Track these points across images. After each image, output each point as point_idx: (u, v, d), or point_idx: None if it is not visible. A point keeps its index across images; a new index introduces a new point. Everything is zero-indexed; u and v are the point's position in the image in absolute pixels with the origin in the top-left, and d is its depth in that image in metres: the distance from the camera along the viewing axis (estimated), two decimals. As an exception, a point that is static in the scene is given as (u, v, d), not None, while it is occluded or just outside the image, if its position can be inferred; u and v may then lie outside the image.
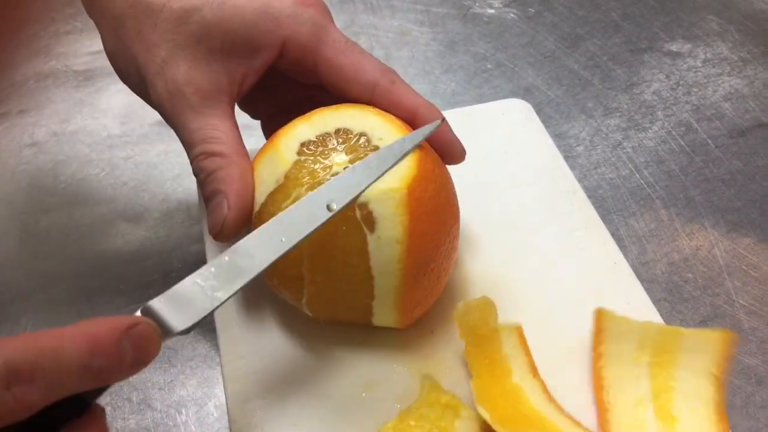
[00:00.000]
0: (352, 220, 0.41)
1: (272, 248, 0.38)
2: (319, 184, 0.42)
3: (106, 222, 0.58)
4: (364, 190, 0.40)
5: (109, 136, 0.65)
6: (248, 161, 0.44)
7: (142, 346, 0.32)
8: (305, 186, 0.42)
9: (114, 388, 0.48)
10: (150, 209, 0.59)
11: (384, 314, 0.44)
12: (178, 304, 0.35)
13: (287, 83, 0.50)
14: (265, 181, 0.43)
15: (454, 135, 0.48)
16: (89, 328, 0.30)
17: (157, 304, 0.35)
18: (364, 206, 0.41)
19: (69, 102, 0.69)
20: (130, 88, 0.48)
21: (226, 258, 0.37)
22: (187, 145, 0.44)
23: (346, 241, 0.41)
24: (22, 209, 0.59)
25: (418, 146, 0.43)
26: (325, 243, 0.41)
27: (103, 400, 0.47)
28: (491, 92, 0.69)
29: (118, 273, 0.55)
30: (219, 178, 0.43)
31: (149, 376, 0.49)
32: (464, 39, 0.75)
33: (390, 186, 0.41)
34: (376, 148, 0.43)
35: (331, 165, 0.43)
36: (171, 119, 0.45)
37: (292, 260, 0.42)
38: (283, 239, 0.38)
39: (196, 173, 0.44)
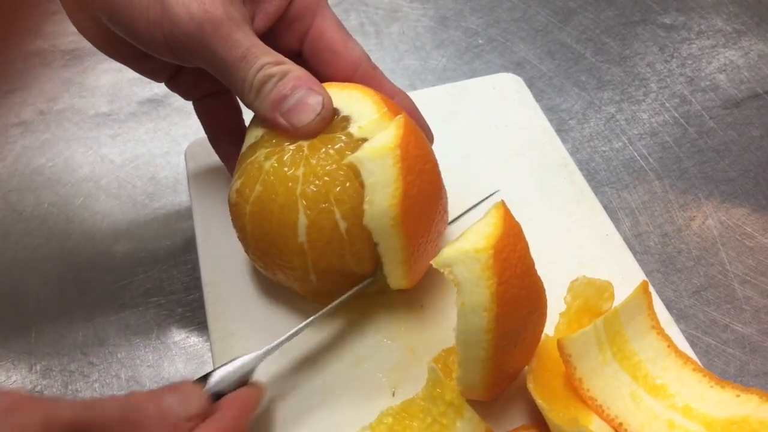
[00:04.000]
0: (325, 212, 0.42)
1: None
2: (280, 152, 0.42)
3: (94, 200, 0.58)
4: None
5: (97, 115, 0.65)
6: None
7: None
8: (267, 148, 0.43)
9: (103, 366, 0.48)
10: (138, 187, 0.59)
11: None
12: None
13: None
14: (250, 136, 0.45)
15: (423, 119, 0.48)
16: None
17: None
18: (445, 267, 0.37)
19: (56, 81, 0.68)
20: (128, 19, 0.42)
21: None
22: (245, 59, 0.42)
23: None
24: (9, 187, 0.59)
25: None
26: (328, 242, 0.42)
27: (91, 378, 0.47)
28: (483, 67, 0.68)
29: (107, 250, 0.54)
30: (296, 76, 0.42)
31: (138, 353, 0.49)
32: (455, 14, 0.74)
33: (474, 246, 0.37)
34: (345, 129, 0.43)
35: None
36: (212, 38, 0.41)
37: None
38: None
39: (263, 81, 0.42)
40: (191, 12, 0.41)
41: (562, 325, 0.42)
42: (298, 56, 0.47)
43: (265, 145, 0.43)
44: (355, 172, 0.41)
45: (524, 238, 0.39)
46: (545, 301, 0.40)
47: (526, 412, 0.42)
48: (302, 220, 0.41)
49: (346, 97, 0.44)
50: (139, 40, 0.42)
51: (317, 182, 0.41)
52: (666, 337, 0.42)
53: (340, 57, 0.46)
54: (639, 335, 0.42)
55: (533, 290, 0.39)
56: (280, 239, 0.42)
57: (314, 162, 0.42)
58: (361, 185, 0.40)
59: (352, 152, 0.41)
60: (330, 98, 0.42)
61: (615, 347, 0.41)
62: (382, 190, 0.40)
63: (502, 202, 0.40)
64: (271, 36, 0.46)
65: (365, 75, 0.46)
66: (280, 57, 0.43)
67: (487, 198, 0.50)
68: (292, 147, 0.42)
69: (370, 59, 0.47)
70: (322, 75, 0.46)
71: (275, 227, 0.42)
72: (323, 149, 0.42)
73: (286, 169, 0.42)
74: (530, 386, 0.39)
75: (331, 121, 0.43)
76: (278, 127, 0.43)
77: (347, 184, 0.41)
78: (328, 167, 0.41)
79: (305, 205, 0.41)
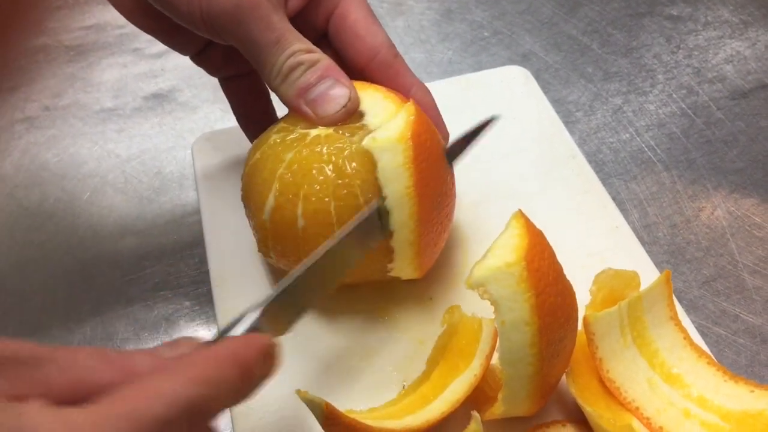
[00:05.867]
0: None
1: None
2: (289, 132, 0.43)
3: (100, 195, 0.58)
4: None
5: (102, 110, 0.65)
6: None
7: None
8: (284, 123, 0.44)
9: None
10: (144, 182, 0.59)
11: None
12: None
13: None
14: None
15: (440, 113, 0.48)
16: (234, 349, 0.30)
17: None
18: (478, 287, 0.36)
19: (61, 77, 0.68)
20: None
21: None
22: (278, 43, 0.42)
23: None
24: (15, 183, 0.59)
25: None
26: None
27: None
28: (489, 60, 0.68)
29: (113, 246, 0.54)
30: (325, 66, 0.43)
31: (146, 347, 0.48)
32: (461, 7, 0.74)
33: (505, 261, 0.36)
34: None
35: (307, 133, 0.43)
36: (249, 17, 0.42)
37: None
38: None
39: (292, 67, 0.42)
40: None
41: (590, 317, 0.42)
42: (324, 36, 0.47)
43: (286, 120, 0.45)
44: (336, 179, 0.41)
45: (549, 243, 0.39)
46: (577, 302, 0.39)
47: (557, 405, 0.42)
48: (270, 201, 0.42)
49: (374, 105, 0.44)
50: (177, 12, 0.42)
51: (295, 172, 0.42)
52: (683, 329, 0.42)
53: (361, 40, 0.46)
54: (658, 324, 0.42)
55: (567, 295, 0.38)
56: (255, 209, 0.44)
57: (305, 153, 0.42)
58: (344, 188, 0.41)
59: (339, 158, 0.41)
60: (356, 92, 0.43)
61: (635, 332, 0.41)
62: (398, 176, 0.40)
63: (521, 211, 0.39)
64: (299, 14, 0.46)
65: (384, 61, 0.46)
66: (312, 46, 0.43)
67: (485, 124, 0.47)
68: (300, 131, 0.43)
69: (393, 46, 0.46)
70: (343, 57, 0.46)
71: (254, 195, 0.43)
72: (320, 146, 0.42)
73: (281, 149, 0.43)
74: (572, 390, 0.39)
75: (354, 114, 0.43)
76: (301, 115, 0.43)
77: (316, 188, 0.41)
78: (314, 164, 0.41)
79: (277, 188, 0.42)
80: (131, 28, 0.47)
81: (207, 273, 0.50)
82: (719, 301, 0.49)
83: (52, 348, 0.27)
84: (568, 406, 0.42)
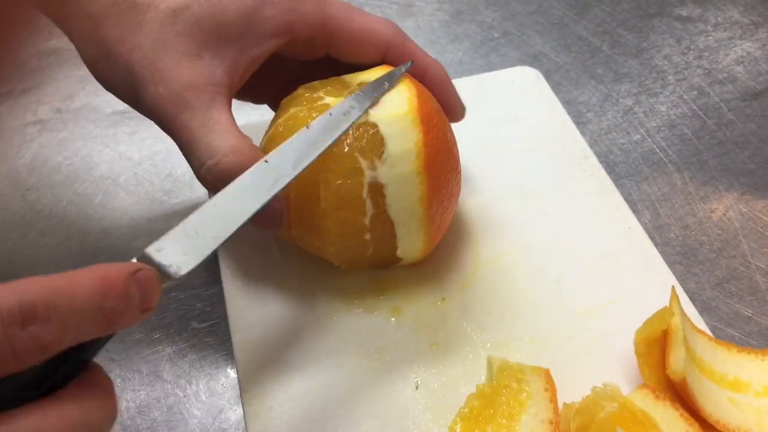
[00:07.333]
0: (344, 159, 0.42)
1: (268, 184, 0.38)
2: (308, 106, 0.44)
3: (112, 197, 0.58)
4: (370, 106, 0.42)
5: (114, 113, 0.65)
6: (253, 148, 0.42)
7: (147, 290, 0.31)
8: (302, 101, 0.45)
9: (123, 361, 0.48)
10: (155, 184, 0.59)
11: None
12: (176, 249, 0.34)
13: (284, 64, 0.49)
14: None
15: (455, 89, 0.49)
16: (99, 270, 0.29)
17: (154, 251, 0.33)
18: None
19: (72, 79, 0.68)
20: (117, 96, 0.46)
21: (222, 197, 0.37)
22: (190, 144, 0.42)
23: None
24: (27, 186, 0.59)
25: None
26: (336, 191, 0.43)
27: (113, 373, 0.47)
28: (499, 60, 0.68)
29: (125, 248, 0.54)
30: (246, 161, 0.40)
31: (158, 348, 0.49)
32: (470, 8, 0.74)
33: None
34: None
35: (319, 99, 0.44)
36: (167, 122, 0.42)
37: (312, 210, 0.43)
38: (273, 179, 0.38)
39: (207, 172, 0.41)
40: (150, 96, 0.42)
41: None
42: (326, 58, 0.47)
43: (306, 87, 0.46)
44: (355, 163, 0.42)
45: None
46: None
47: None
48: None
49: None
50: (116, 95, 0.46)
51: None
52: (701, 332, 0.42)
53: (367, 46, 0.46)
54: (691, 339, 0.42)
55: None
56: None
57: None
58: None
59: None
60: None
61: (695, 362, 0.41)
62: (403, 143, 0.42)
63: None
64: (290, 59, 0.47)
65: (396, 53, 0.46)
66: (223, 145, 0.41)
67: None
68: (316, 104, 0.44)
69: (397, 32, 0.46)
70: (357, 64, 0.47)
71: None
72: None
73: (302, 115, 0.43)
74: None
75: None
76: None
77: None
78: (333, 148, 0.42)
79: None
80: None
81: (218, 274, 0.50)
82: (732, 303, 0.49)
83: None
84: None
